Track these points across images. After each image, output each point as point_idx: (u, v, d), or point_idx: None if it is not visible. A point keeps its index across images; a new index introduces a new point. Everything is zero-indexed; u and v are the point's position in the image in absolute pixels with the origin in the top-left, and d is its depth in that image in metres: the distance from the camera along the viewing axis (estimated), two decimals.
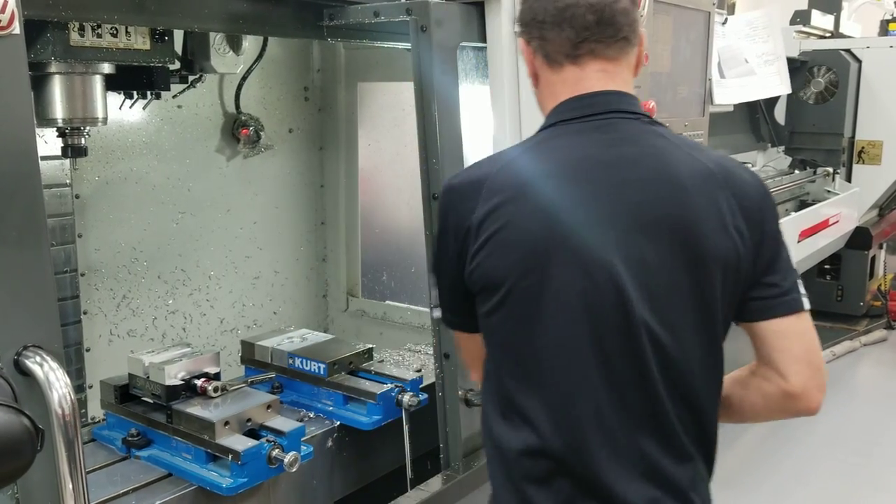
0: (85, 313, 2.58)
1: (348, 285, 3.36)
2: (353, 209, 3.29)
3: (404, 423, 2.26)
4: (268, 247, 3.14)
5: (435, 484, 2.18)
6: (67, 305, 2.47)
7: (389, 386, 2.26)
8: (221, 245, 2.98)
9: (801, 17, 5.34)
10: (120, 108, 2.47)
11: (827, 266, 5.66)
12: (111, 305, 2.69)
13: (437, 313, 1.54)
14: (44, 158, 2.31)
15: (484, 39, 2.31)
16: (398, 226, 3.31)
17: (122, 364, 2.14)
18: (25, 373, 1.40)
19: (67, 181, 2.45)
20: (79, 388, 2.52)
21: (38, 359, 1.39)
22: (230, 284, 3.03)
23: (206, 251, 2.94)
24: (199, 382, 2.04)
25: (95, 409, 2.41)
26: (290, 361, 2.37)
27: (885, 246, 6.20)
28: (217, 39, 2.45)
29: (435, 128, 2.15)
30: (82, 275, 2.56)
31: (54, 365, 1.39)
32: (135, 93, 2.33)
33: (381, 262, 3.33)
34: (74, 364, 2.50)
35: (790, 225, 4.10)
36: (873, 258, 5.88)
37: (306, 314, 3.31)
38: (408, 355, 2.74)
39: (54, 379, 1.38)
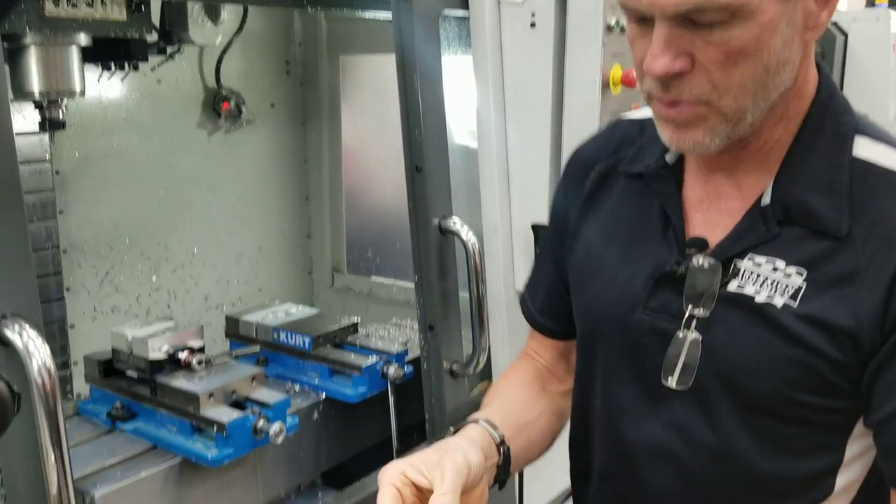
0: (68, 290, 2.55)
1: (333, 261, 3.34)
2: (337, 184, 3.27)
3: (390, 395, 2.26)
4: (252, 223, 3.12)
5: None
6: (50, 282, 2.44)
7: (375, 359, 2.26)
8: (204, 221, 2.96)
9: None
10: (98, 81, 2.44)
11: None
12: (94, 282, 2.66)
13: None
14: (23, 134, 2.28)
15: (466, 8, 2.30)
16: (383, 201, 3.29)
17: (106, 341, 2.12)
18: (4, 342, 1.38)
19: (47, 157, 2.42)
20: (63, 364, 2.50)
21: (16, 327, 1.37)
22: (214, 261, 3.00)
23: (189, 228, 2.92)
24: (183, 356, 2.02)
25: (81, 386, 2.40)
26: (275, 335, 2.36)
27: None
28: (195, 10, 2.42)
29: (417, 98, 2.13)
30: (64, 251, 2.54)
31: (33, 334, 1.37)
32: (112, 65, 2.30)
33: (366, 238, 3.32)
34: (58, 341, 2.48)
35: None
36: None
37: (291, 290, 3.29)
38: (393, 330, 2.73)
39: (34, 348, 1.36)
